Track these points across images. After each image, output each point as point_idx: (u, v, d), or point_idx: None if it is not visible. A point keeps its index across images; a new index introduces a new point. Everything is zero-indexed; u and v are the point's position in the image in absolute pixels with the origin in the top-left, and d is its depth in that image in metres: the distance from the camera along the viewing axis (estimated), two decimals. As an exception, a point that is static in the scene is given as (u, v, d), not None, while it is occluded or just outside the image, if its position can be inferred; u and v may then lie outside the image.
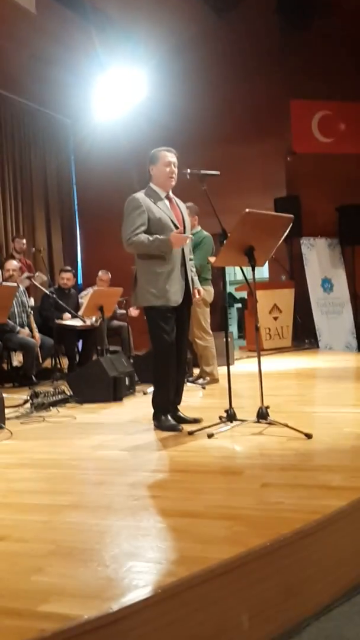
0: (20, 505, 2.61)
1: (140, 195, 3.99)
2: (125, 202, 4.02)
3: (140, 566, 1.88)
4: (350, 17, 9.84)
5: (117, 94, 10.41)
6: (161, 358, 4.00)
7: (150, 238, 3.87)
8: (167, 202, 4.04)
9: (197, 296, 4.25)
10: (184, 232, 4.03)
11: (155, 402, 4.08)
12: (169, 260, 3.94)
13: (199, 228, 5.99)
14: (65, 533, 2.22)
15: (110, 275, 8.21)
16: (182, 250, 4.02)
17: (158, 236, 3.88)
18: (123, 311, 7.87)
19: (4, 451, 3.69)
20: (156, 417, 4.06)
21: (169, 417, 4.03)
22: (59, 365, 6.99)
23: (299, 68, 9.99)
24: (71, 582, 1.80)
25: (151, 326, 4.01)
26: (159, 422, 4.02)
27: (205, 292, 5.91)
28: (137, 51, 9.89)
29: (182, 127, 10.01)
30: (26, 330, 6.58)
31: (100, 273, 8.29)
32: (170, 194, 4.11)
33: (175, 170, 4.03)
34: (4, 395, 4.57)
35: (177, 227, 3.99)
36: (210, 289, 6.08)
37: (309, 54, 9.98)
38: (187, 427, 3.92)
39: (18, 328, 6.50)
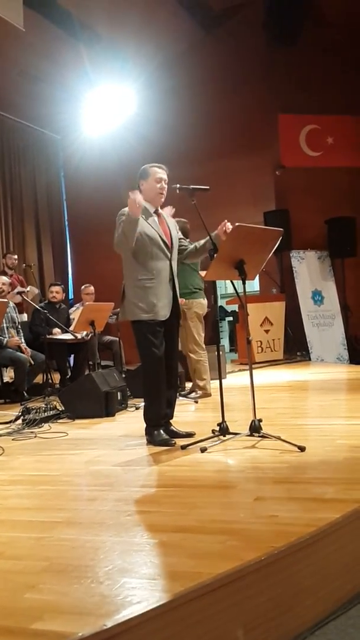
0: (13, 522, 2.59)
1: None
2: (114, 216, 4.04)
3: (134, 582, 1.87)
4: (337, 32, 9.99)
5: (106, 110, 10.47)
6: (151, 372, 3.99)
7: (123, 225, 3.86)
8: (156, 217, 4.06)
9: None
10: (172, 249, 4.05)
11: (146, 417, 4.07)
12: (156, 275, 3.97)
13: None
14: (58, 550, 2.20)
15: (93, 288, 8.22)
16: (170, 265, 4.03)
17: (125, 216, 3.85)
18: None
19: (-4, 468, 3.66)
20: (148, 431, 4.06)
21: (162, 432, 4.02)
22: (50, 381, 6.96)
23: (287, 83, 10.10)
24: (65, 599, 1.79)
25: (140, 340, 4.00)
26: (151, 436, 4.01)
27: (197, 305, 5.93)
28: (125, 68, 9.97)
29: (171, 142, 10.08)
30: (14, 338, 6.53)
31: (83, 287, 8.26)
32: (159, 209, 4.13)
33: (165, 186, 4.06)
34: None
35: (165, 243, 4.01)
36: (204, 301, 6.08)
37: (296, 69, 10.11)
38: (179, 442, 3.90)
39: (6, 340, 6.47)
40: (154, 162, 4.13)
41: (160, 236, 4.00)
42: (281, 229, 3.95)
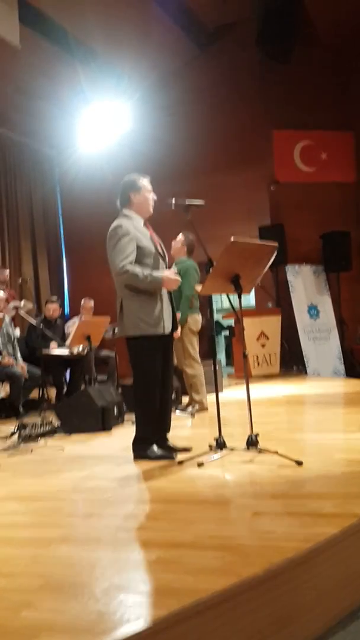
0: (9, 539, 2.57)
1: (125, 222, 3.94)
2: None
3: (131, 599, 1.86)
4: (329, 48, 10.11)
5: (102, 126, 10.53)
6: (148, 388, 3.92)
7: (145, 273, 3.82)
8: (146, 229, 4.06)
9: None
10: (166, 259, 4.06)
11: (141, 434, 3.99)
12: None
13: (184, 257, 6.02)
14: (54, 567, 2.19)
15: (93, 302, 8.28)
16: None
17: (152, 272, 3.85)
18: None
19: (-8, 484, 3.64)
20: (142, 448, 3.98)
21: (154, 447, 3.96)
22: (46, 396, 6.93)
23: (280, 99, 10.20)
24: (62, 617, 1.78)
25: (140, 355, 3.92)
26: (144, 452, 3.95)
27: (192, 321, 5.95)
28: (121, 84, 10.05)
29: (166, 158, 10.14)
30: (8, 359, 6.50)
31: (83, 301, 8.37)
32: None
33: (154, 197, 4.09)
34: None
35: (160, 255, 4.00)
36: (198, 317, 6.09)
37: (290, 85, 10.20)
38: (176, 457, 3.89)
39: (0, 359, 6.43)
40: (149, 176, 4.14)
41: (155, 247, 3.99)
42: (276, 244, 3.96)
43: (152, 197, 4.06)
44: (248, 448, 3.77)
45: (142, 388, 3.96)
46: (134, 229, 3.94)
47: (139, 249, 3.90)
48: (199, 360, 6.09)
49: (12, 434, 5.10)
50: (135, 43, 9.27)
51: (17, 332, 7.55)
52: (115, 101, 10.29)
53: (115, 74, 10.00)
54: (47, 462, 4.20)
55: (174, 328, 4.09)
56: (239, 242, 3.71)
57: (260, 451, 3.73)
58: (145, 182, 4.06)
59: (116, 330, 4.17)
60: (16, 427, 5.10)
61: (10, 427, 5.38)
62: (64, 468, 3.95)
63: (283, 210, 10.56)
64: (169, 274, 3.89)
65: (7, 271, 9.08)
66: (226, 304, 12.40)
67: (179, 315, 5.47)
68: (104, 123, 10.49)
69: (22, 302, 8.21)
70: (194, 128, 10.54)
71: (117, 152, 10.48)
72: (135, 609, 1.79)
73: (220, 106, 10.55)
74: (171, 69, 10.48)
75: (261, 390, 7.79)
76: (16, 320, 7.98)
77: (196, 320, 6.04)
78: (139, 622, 1.69)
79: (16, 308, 7.76)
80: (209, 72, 10.60)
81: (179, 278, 3.99)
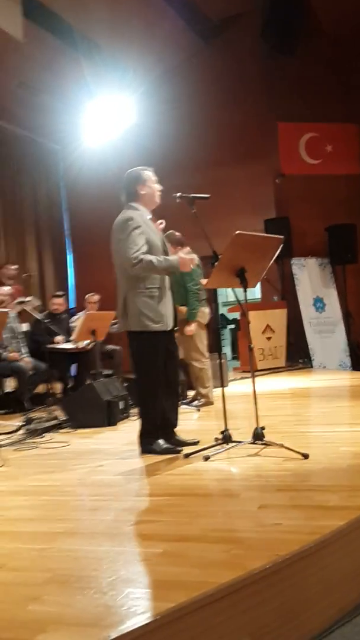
0: (15, 533, 2.58)
1: (135, 215, 3.91)
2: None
3: (138, 592, 1.86)
4: (333, 41, 10.05)
5: (106, 120, 10.50)
6: (152, 384, 3.91)
7: (159, 258, 3.81)
8: (152, 223, 4.03)
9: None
10: (168, 254, 4.03)
11: (145, 429, 3.99)
12: (161, 284, 3.92)
13: None
14: (61, 561, 2.19)
15: (98, 297, 8.28)
16: None
17: (166, 257, 3.86)
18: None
19: (-2, 479, 3.65)
20: (148, 442, 3.97)
21: (160, 441, 3.96)
22: (52, 390, 6.94)
23: (285, 91, 10.15)
24: (68, 610, 1.78)
25: (143, 351, 3.92)
26: (151, 446, 3.96)
27: (200, 314, 5.93)
28: (125, 78, 10.01)
29: (170, 152, 10.11)
30: (12, 353, 6.50)
31: (87, 296, 8.36)
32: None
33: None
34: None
35: (164, 250, 3.98)
36: (206, 310, 6.07)
37: (294, 78, 10.15)
38: (182, 450, 3.88)
39: (5, 354, 6.43)
40: (154, 171, 4.12)
41: (161, 242, 3.98)
42: (281, 237, 3.94)
43: (157, 187, 4.05)
44: (254, 441, 3.76)
45: (145, 383, 3.96)
46: (143, 222, 3.92)
47: (148, 243, 3.87)
48: (206, 354, 6.07)
49: (18, 428, 5.12)
50: (140, 36, 9.23)
51: (24, 327, 7.56)
52: (119, 95, 10.26)
53: (119, 68, 9.96)
54: (52, 457, 4.21)
55: (175, 324, 4.09)
56: (244, 235, 3.69)
57: (266, 444, 3.73)
58: (149, 174, 4.05)
59: (118, 325, 4.15)
60: (22, 422, 5.11)
61: (16, 421, 5.40)
62: (69, 462, 3.96)
63: (288, 203, 10.51)
64: (183, 255, 3.86)
65: (14, 267, 9.08)
66: (232, 297, 12.35)
67: (182, 309, 5.46)
68: (109, 117, 10.45)
69: (29, 298, 8.22)
70: (198, 121, 10.50)
71: (122, 146, 10.44)
72: (142, 602, 1.79)
73: (225, 99, 10.51)
74: (175, 63, 10.45)
75: (267, 383, 7.78)
76: (23, 315, 7.98)
77: (204, 313, 6.02)
78: (145, 615, 1.70)
79: (21, 303, 7.76)
80: (214, 65, 10.56)
81: (194, 256, 3.96)
